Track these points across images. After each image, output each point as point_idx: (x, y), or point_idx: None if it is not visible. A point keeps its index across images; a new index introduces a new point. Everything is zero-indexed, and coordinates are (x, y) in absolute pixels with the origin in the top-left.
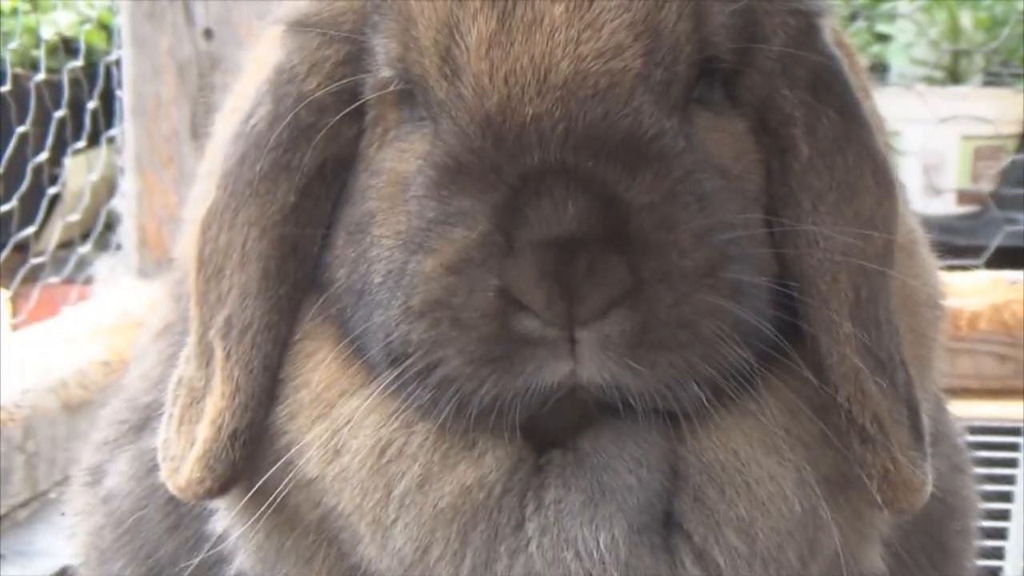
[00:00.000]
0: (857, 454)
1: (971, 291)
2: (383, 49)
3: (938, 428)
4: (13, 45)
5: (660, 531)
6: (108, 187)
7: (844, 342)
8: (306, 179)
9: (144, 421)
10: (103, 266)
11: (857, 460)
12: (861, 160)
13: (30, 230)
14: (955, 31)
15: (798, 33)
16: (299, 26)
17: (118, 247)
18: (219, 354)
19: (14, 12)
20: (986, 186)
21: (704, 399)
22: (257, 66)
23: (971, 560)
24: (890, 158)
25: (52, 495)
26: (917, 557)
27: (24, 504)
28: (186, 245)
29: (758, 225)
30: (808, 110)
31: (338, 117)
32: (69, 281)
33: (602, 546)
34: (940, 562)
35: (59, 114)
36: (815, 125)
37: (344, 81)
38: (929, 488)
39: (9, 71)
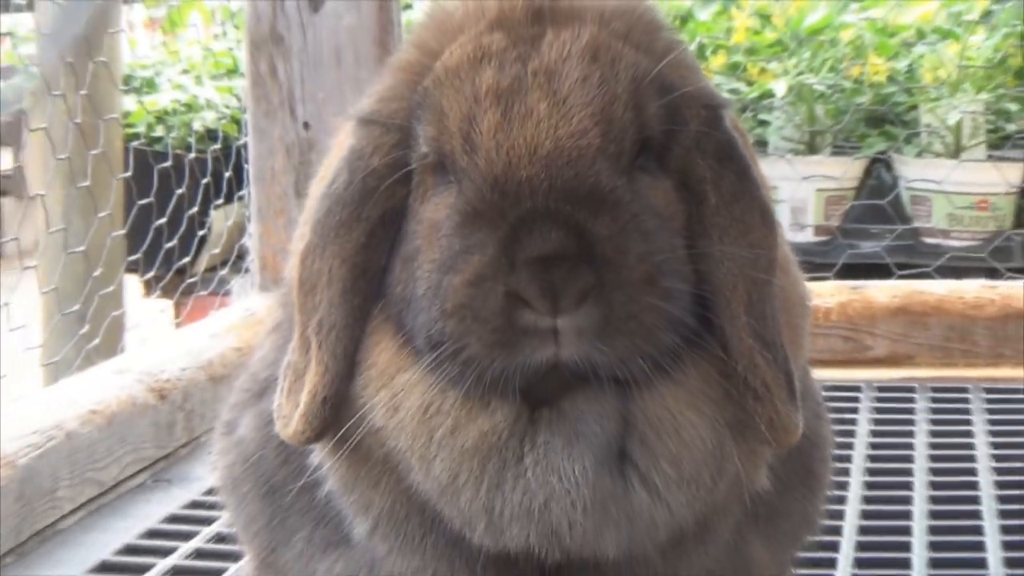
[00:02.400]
0: (751, 408)
1: (825, 294)
2: (423, 134)
3: (806, 388)
4: (174, 134)
5: (616, 462)
6: (239, 230)
7: (742, 330)
8: (371, 225)
9: (263, 390)
10: (237, 284)
11: (751, 412)
12: (752, 207)
13: (186, 260)
14: (812, 118)
15: (708, 119)
16: (366, 120)
17: (246, 271)
18: (314, 345)
19: (175, 111)
20: (834, 223)
21: (647, 370)
22: (337, 148)
23: (828, 479)
24: (771, 205)
25: (203, 439)
26: (791, 477)
27: (184, 445)
28: (291, 270)
29: (682, 250)
30: (715, 173)
31: (392, 181)
32: (213, 294)
33: (576, 473)
34: (808, 480)
35: (205, 181)
36: (720, 183)
37: (397, 156)
38: (800, 430)
39: (171, 152)
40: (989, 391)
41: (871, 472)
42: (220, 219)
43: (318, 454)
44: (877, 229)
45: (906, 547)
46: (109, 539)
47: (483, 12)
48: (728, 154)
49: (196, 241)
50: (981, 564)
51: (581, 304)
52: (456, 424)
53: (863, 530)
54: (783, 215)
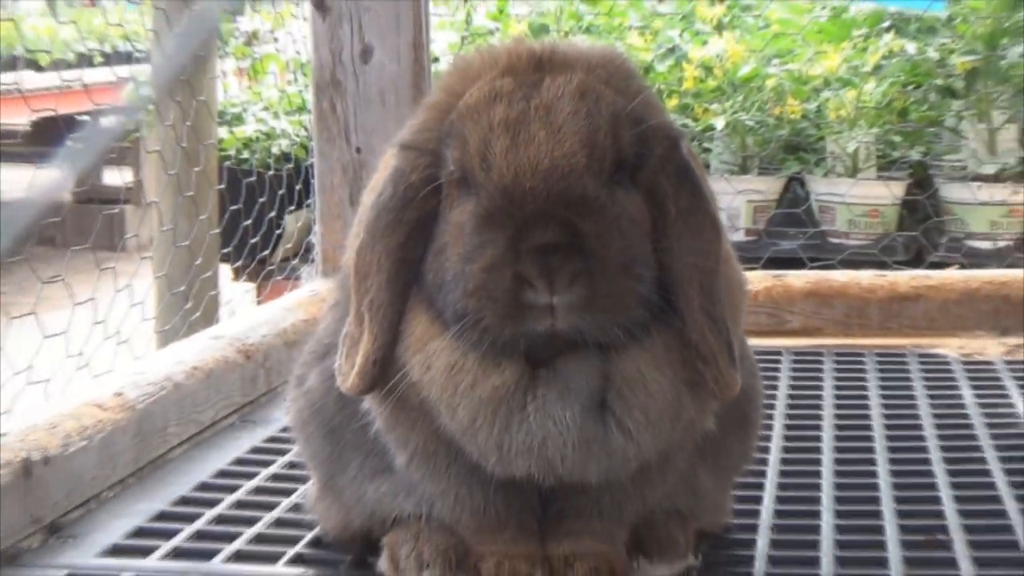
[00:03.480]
0: (702, 369)
1: (754, 281)
2: (450, 156)
3: (743, 353)
4: (257, 157)
5: (598, 410)
6: (307, 230)
7: (695, 309)
8: (410, 227)
9: (326, 352)
10: (305, 272)
11: (702, 372)
12: (704, 216)
13: (266, 252)
14: (743, 145)
15: (669, 146)
16: (405, 146)
17: (312, 261)
18: (367, 319)
19: (257, 139)
20: (760, 226)
21: (622, 337)
22: (383, 167)
23: (759, 424)
24: (718, 213)
25: (279, 390)
26: (731, 422)
27: (265, 395)
28: (348, 261)
29: (649, 247)
30: (675, 189)
31: (426, 193)
32: (287, 279)
33: (567, 418)
34: (744, 424)
35: (281, 192)
36: (679, 198)
37: (429, 173)
38: (739, 386)
39: (255, 170)
40: (880, 356)
41: (790, 418)
42: (292, 222)
43: (368, 402)
44: (793, 231)
45: (817, 474)
46: (207, 466)
47: (496, 62)
48: (685, 175)
49: (274, 238)
50: (874, 487)
51: (572, 284)
52: (475, 379)
53: (784, 461)
54: (722, 220)
